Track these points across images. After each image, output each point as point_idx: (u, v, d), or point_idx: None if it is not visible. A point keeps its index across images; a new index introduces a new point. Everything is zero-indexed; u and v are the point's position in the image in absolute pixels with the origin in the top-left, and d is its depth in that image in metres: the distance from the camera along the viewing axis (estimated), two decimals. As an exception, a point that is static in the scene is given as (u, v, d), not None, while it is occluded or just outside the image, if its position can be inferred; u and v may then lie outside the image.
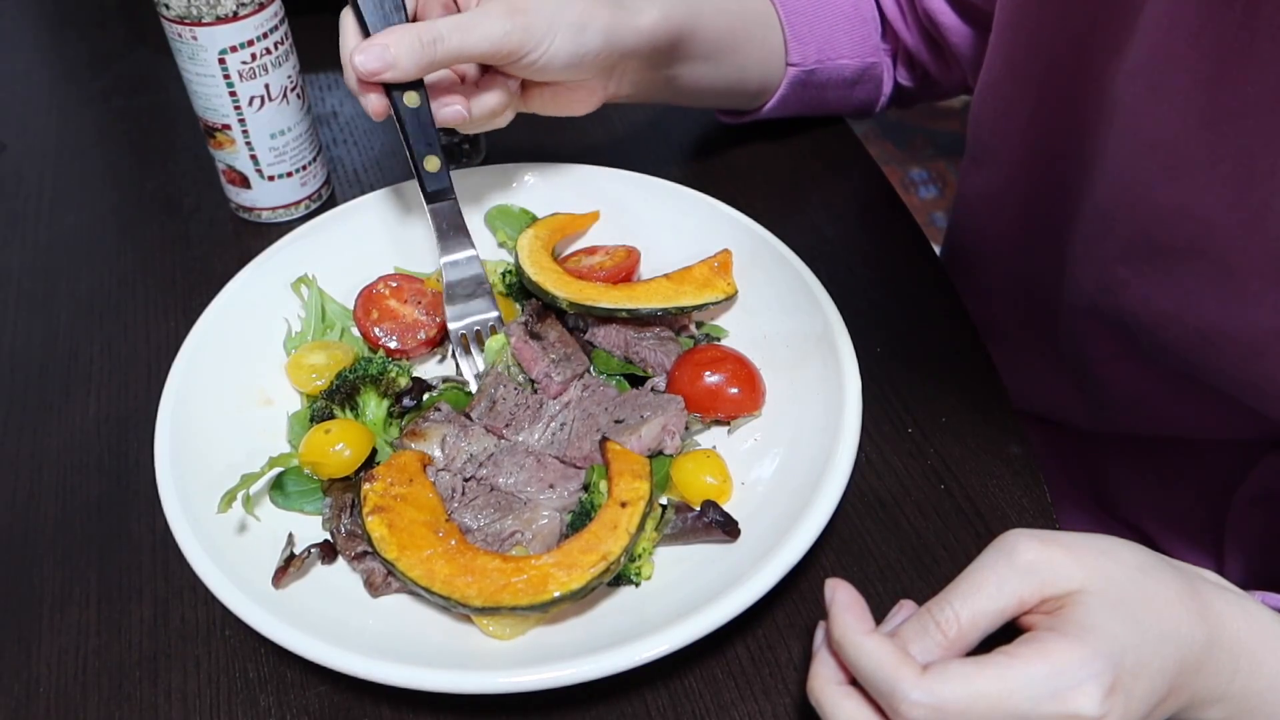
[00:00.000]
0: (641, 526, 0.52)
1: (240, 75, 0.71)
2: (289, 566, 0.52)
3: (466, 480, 0.58)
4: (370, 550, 0.53)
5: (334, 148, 0.88)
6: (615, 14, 0.64)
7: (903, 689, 0.40)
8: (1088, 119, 0.65)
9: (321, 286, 0.68)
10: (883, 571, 0.56)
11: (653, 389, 0.62)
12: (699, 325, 0.68)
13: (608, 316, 0.64)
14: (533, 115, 0.70)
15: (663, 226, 0.71)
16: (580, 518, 0.54)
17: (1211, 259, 0.59)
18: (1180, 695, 0.44)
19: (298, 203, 0.80)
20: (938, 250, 0.81)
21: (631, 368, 0.64)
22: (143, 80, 0.98)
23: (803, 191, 0.82)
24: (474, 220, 0.73)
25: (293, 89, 0.75)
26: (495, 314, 0.66)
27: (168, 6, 0.68)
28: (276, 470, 0.57)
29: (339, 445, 0.56)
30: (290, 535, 0.54)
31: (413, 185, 0.65)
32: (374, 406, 0.60)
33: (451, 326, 0.65)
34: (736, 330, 0.67)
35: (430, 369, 0.67)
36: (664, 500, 0.57)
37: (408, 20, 0.62)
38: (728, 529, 0.53)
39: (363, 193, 0.74)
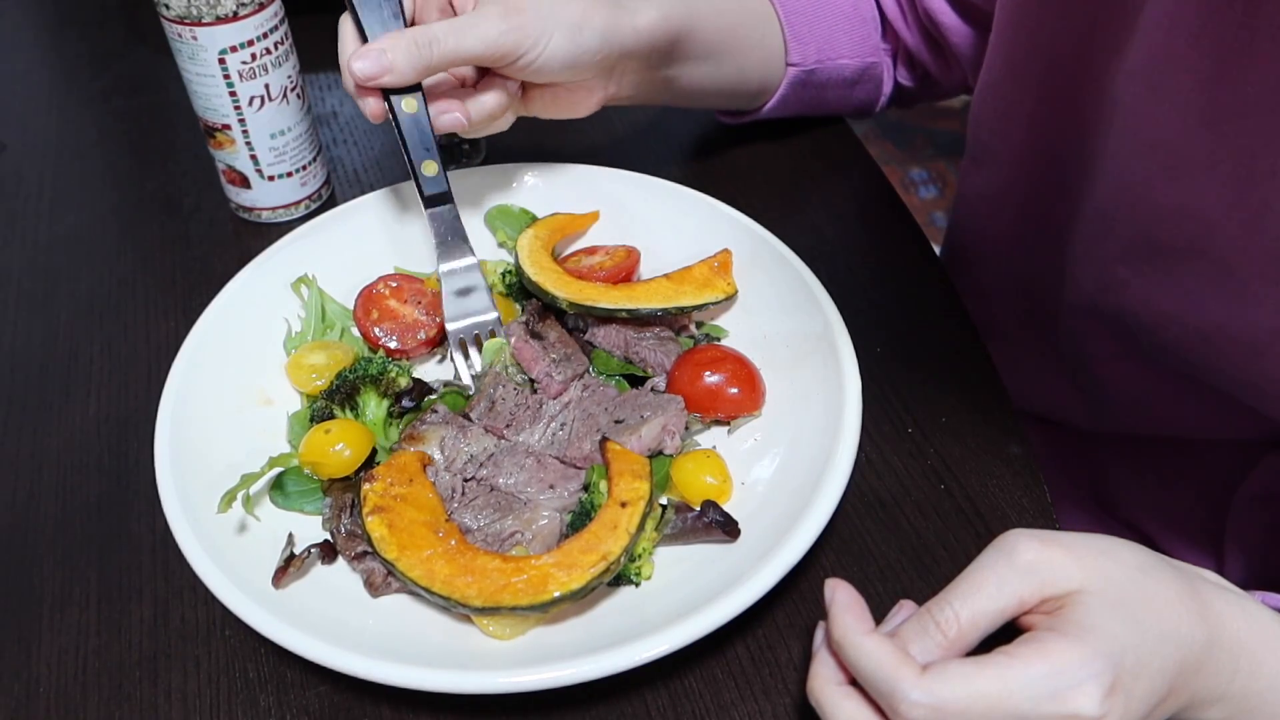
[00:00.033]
0: (641, 526, 0.52)
1: (240, 75, 0.71)
2: (289, 566, 0.52)
3: (466, 481, 0.58)
4: (370, 550, 0.53)
5: (334, 148, 0.88)
6: (613, 14, 0.64)
7: (902, 689, 0.40)
8: (1088, 119, 0.65)
9: (321, 286, 0.68)
10: (883, 571, 0.56)
11: (653, 389, 0.62)
12: (699, 325, 0.68)
13: (608, 316, 0.64)
14: (532, 116, 0.70)
15: (663, 226, 0.71)
16: (580, 518, 0.54)
17: (1212, 259, 0.59)
18: (1180, 695, 0.44)
19: (298, 203, 0.80)
20: (938, 250, 0.81)
21: (631, 368, 0.64)
22: (143, 80, 0.98)
23: (803, 191, 0.82)
24: (474, 220, 0.73)
25: (293, 89, 0.75)
26: (494, 316, 0.66)
27: (168, 6, 0.69)
28: (276, 470, 0.57)
29: (339, 445, 0.56)
30: (290, 535, 0.54)
31: (413, 185, 0.65)
32: (374, 407, 0.60)
33: (450, 329, 0.65)
34: (736, 330, 0.67)
35: (430, 369, 0.67)
36: (664, 500, 0.57)
37: (405, 26, 0.62)
38: (728, 529, 0.53)
39: (363, 193, 0.74)
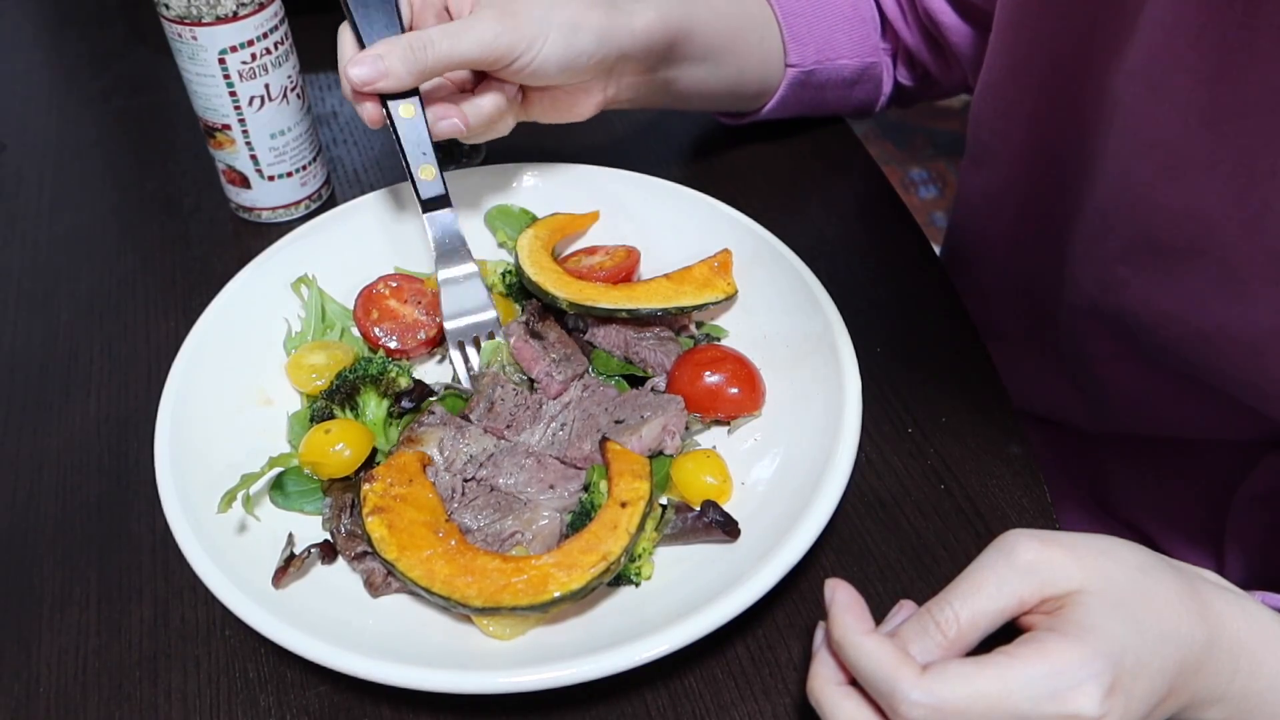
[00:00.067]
0: (641, 526, 0.52)
1: (240, 75, 0.71)
2: (289, 566, 0.52)
3: (466, 481, 0.58)
4: (370, 550, 0.53)
5: (334, 148, 0.88)
6: (609, 16, 0.64)
7: (902, 689, 0.40)
8: (1088, 119, 0.65)
9: (321, 286, 0.68)
10: (883, 571, 0.56)
11: (653, 389, 0.62)
12: (699, 325, 0.68)
13: (608, 316, 0.64)
14: (532, 121, 0.70)
15: (663, 226, 0.71)
16: (580, 518, 0.54)
17: (1212, 259, 0.59)
18: (1180, 695, 0.44)
19: (298, 203, 0.80)
20: (938, 250, 0.81)
21: (631, 369, 0.64)
22: (143, 80, 0.98)
23: (803, 191, 0.82)
24: (474, 220, 0.73)
25: (293, 89, 0.75)
26: (493, 317, 0.65)
27: (168, 6, 0.69)
28: (276, 470, 0.57)
29: (339, 445, 0.56)
30: (290, 535, 0.54)
31: (413, 186, 0.65)
32: (374, 407, 0.60)
33: (448, 330, 0.65)
34: (736, 330, 0.67)
35: (430, 370, 0.67)
36: (664, 500, 0.57)
37: (403, 32, 0.62)
38: (728, 529, 0.53)
39: (363, 193, 0.74)
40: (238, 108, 0.73)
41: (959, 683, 0.40)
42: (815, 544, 0.51)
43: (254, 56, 0.71)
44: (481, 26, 0.60)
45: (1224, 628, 0.44)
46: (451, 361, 0.65)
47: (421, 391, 0.61)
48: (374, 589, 0.53)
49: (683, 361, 0.63)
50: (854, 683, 0.44)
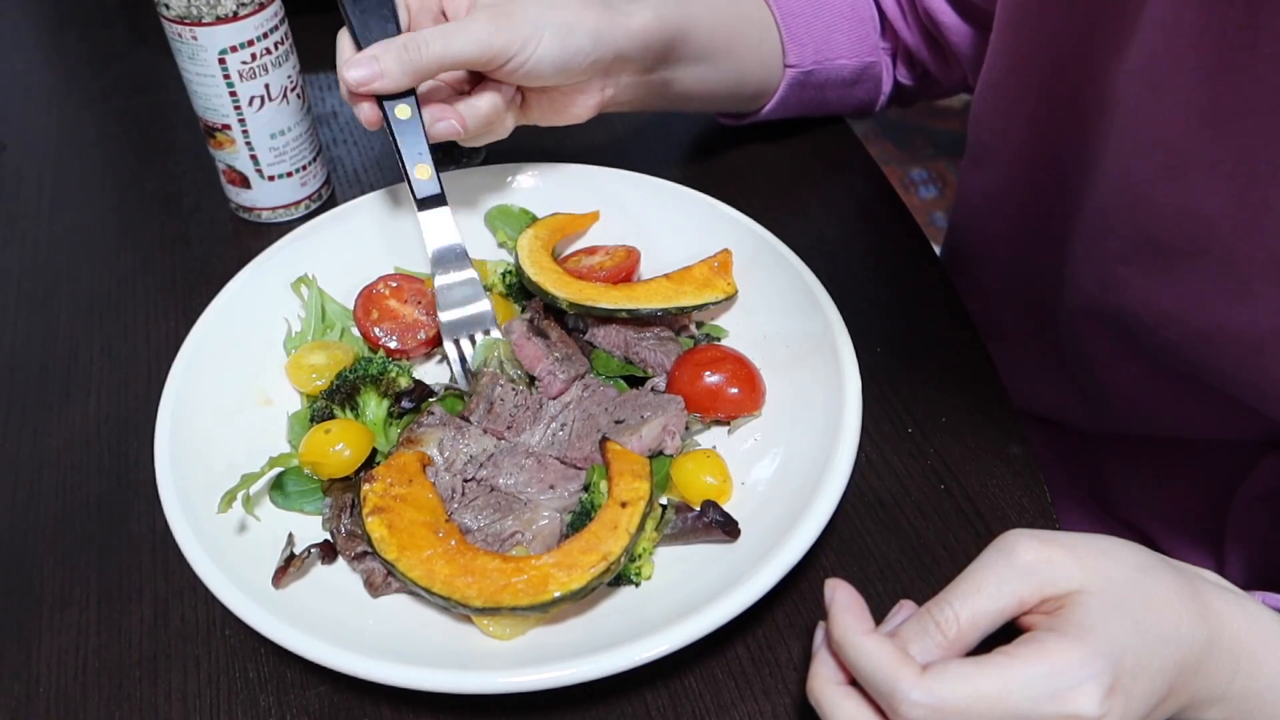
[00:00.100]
0: (641, 526, 0.52)
1: (240, 75, 0.71)
2: (289, 566, 0.52)
3: (466, 481, 0.58)
4: (370, 550, 0.53)
5: (334, 148, 0.88)
6: (605, 16, 0.64)
7: (902, 689, 0.40)
8: (1089, 119, 0.65)
9: (321, 286, 0.68)
10: (883, 571, 0.56)
11: (653, 389, 0.62)
12: (699, 325, 0.68)
13: (608, 316, 0.64)
14: (531, 123, 0.70)
15: (663, 226, 0.71)
16: (580, 518, 0.54)
17: (1213, 258, 0.59)
18: (1180, 695, 0.44)
19: (298, 203, 0.80)
20: (938, 250, 0.81)
21: (631, 369, 0.64)
22: (143, 80, 0.98)
23: (803, 191, 0.82)
24: (474, 220, 0.73)
25: (293, 89, 0.75)
26: (489, 314, 0.65)
27: (168, 6, 0.69)
28: (276, 470, 0.57)
29: (339, 445, 0.56)
30: (290, 535, 0.54)
31: (412, 186, 0.65)
32: (374, 407, 0.60)
33: (444, 327, 0.65)
34: (736, 330, 0.67)
35: (430, 370, 0.67)
36: (664, 500, 0.57)
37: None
38: (728, 529, 0.53)
39: (363, 193, 0.74)
40: (238, 108, 0.73)
41: (959, 683, 0.40)
42: (815, 544, 0.51)
43: (254, 56, 0.71)
44: (475, 27, 0.61)
45: (1224, 628, 0.44)
46: (446, 357, 0.65)
47: (421, 392, 0.61)
48: (374, 589, 0.53)
49: (683, 361, 0.63)
50: (854, 683, 0.44)
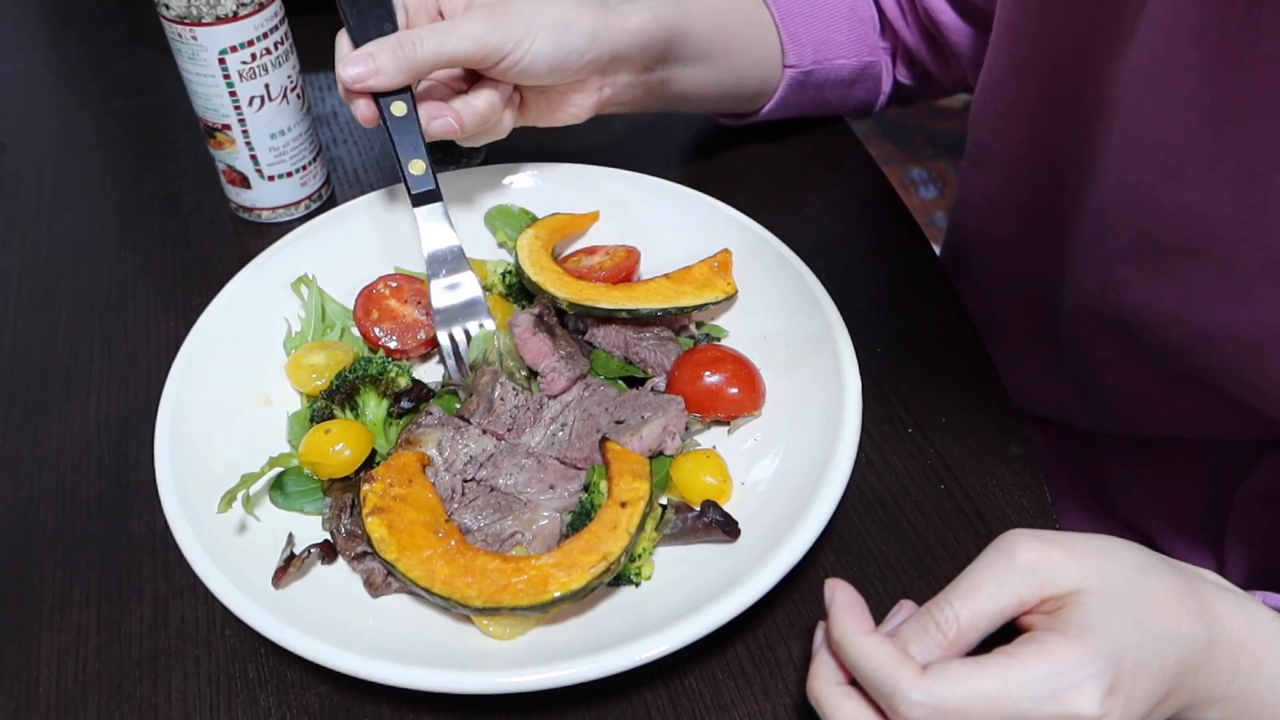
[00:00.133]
0: (641, 526, 0.52)
1: (240, 75, 0.71)
2: (289, 566, 0.52)
3: (466, 481, 0.58)
4: (370, 550, 0.53)
5: (334, 148, 0.88)
6: (601, 15, 0.64)
7: (902, 689, 0.40)
8: (1089, 119, 0.65)
9: (321, 286, 0.68)
10: (883, 571, 0.56)
11: (653, 389, 0.62)
12: (699, 325, 0.68)
13: (608, 316, 0.64)
14: (530, 124, 0.70)
15: (663, 226, 0.71)
16: (580, 518, 0.54)
17: (1214, 258, 0.59)
18: (1180, 695, 0.44)
19: (298, 203, 0.80)
20: (938, 250, 0.81)
21: (631, 370, 0.64)
22: (143, 80, 0.98)
23: (803, 191, 0.82)
24: (474, 220, 0.73)
25: (293, 89, 0.75)
26: (484, 308, 0.65)
27: (168, 6, 0.69)
28: (276, 470, 0.57)
29: (339, 445, 0.56)
30: (290, 535, 0.54)
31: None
32: (374, 406, 0.60)
33: (438, 319, 0.65)
34: (736, 330, 0.67)
35: (430, 370, 0.67)
36: (664, 500, 0.57)
37: None
38: (728, 529, 0.53)
39: (363, 193, 0.74)
40: (238, 108, 0.73)
41: (959, 683, 0.40)
42: (815, 544, 0.51)
43: (254, 56, 0.71)
44: (470, 24, 0.61)
45: (1224, 628, 0.44)
46: (441, 352, 0.65)
47: (420, 392, 0.61)
48: (374, 589, 0.53)
49: (683, 361, 0.63)
50: (854, 683, 0.44)
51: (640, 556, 0.53)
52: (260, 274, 0.67)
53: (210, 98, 0.73)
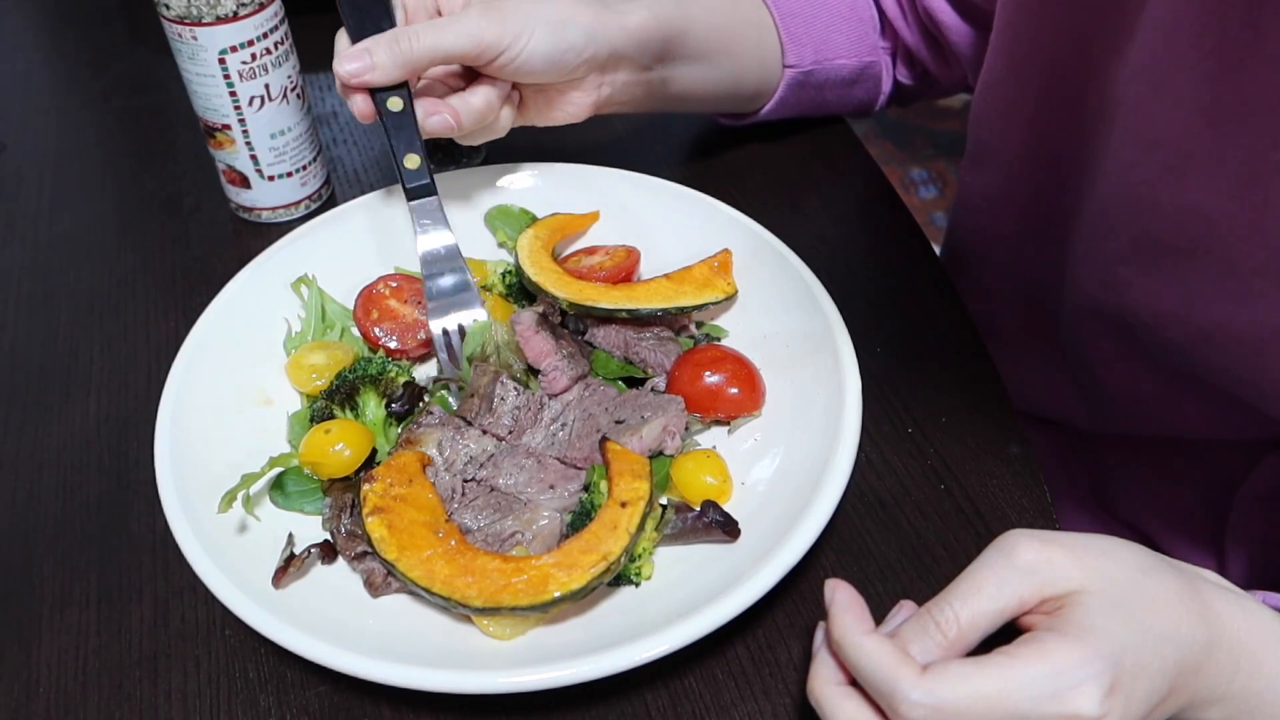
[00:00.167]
0: (641, 526, 0.52)
1: (240, 75, 0.71)
2: (289, 566, 0.52)
3: (466, 481, 0.58)
4: (370, 550, 0.53)
5: (334, 148, 0.88)
6: (600, 13, 0.64)
7: (902, 689, 0.40)
8: (1089, 118, 0.65)
9: (321, 286, 0.68)
10: (883, 571, 0.56)
11: (653, 389, 0.62)
12: (699, 325, 0.68)
13: (608, 316, 0.64)
14: (529, 124, 0.70)
15: (663, 226, 0.71)
16: (580, 518, 0.54)
17: (1214, 258, 0.59)
18: (1180, 695, 0.44)
19: (298, 203, 0.80)
20: (938, 250, 0.81)
21: (630, 370, 0.64)
22: (143, 80, 0.98)
23: (803, 191, 0.82)
24: (474, 220, 0.73)
25: (293, 89, 0.75)
26: (478, 301, 0.65)
27: (168, 6, 0.69)
28: (276, 470, 0.57)
29: (339, 445, 0.56)
30: (290, 535, 0.54)
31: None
32: (374, 406, 0.60)
33: (432, 312, 0.65)
34: (736, 330, 0.67)
35: (430, 370, 0.67)
36: (664, 500, 0.57)
37: None
38: (728, 529, 0.53)
39: (363, 193, 0.74)
40: (238, 108, 0.73)
41: (959, 683, 0.40)
42: (815, 544, 0.51)
43: (254, 56, 0.71)
44: (466, 21, 0.61)
45: (1224, 628, 0.44)
46: (435, 346, 0.65)
47: (412, 393, 0.61)
48: (374, 589, 0.53)
49: (683, 361, 0.63)
50: (854, 683, 0.44)
51: (640, 556, 0.53)
52: (260, 274, 0.67)
53: (210, 98, 0.73)
